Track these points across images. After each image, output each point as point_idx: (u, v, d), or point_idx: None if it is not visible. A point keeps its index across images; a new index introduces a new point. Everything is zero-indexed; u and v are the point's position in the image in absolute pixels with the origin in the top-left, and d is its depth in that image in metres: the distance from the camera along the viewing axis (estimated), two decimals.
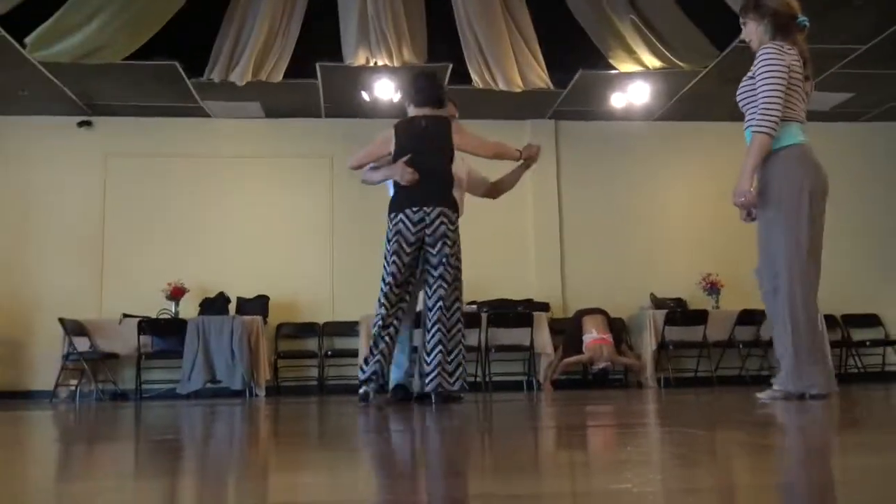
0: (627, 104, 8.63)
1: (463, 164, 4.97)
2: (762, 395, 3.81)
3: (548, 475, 1.61)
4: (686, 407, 4.19)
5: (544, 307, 8.62)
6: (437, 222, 4.48)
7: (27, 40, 6.93)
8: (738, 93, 3.88)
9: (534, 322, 8.05)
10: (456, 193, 4.71)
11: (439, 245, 4.46)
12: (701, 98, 8.47)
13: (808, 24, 3.83)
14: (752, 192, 3.73)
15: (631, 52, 7.69)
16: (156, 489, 1.53)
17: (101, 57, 7.16)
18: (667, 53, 7.59)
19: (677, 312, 8.33)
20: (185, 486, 1.59)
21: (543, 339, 8.10)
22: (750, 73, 3.81)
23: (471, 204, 8.97)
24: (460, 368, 4.45)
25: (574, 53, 7.92)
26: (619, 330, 8.35)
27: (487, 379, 8.10)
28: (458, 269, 4.56)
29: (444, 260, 4.48)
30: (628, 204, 9.33)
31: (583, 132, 9.44)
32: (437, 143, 4.58)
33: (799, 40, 3.80)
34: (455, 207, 4.61)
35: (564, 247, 9.19)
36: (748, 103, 3.79)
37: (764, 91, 3.65)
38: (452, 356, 4.44)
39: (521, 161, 4.98)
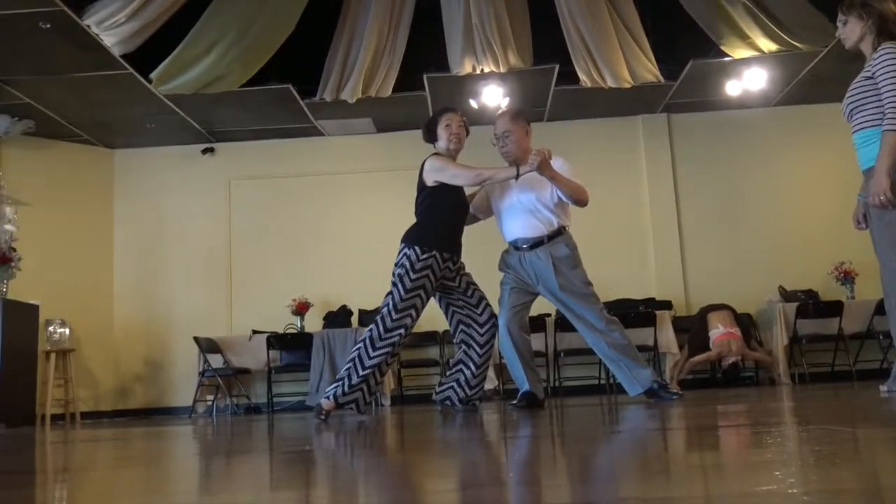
0: (743, 91, 8.34)
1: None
2: (885, 388, 3.63)
3: (682, 478, 1.57)
4: (824, 403, 4.00)
5: (667, 305, 8.42)
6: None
7: (152, 76, 7.33)
8: (850, 93, 3.75)
9: (657, 321, 7.86)
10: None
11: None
12: (822, 80, 8.08)
13: None
14: (890, 192, 3.58)
15: (744, 38, 7.43)
16: (293, 500, 1.57)
17: (219, 86, 7.49)
18: (783, 35, 7.29)
19: (809, 304, 7.96)
20: (320, 497, 1.63)
21: (668, 338, 7.90)
22: (866, 73, 3.66)
23: (588, 203, 8.89)
24: (339, 383, 4.58)
25: (683, 44, 7.72)
26: (746, 325, 8.05)
27: (611, 381, 7.97)
28: (387, 298, 4.57)
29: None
30: (749, 194, 9.00)
31: (697, 124, 9.19)
32: (419, 179, 4.68)
33: None
34: (406, 242, 4.57)
35: (684, 243, 8.95)
36: (865, 103, 3.65)
37: (891, 90, 3.51)
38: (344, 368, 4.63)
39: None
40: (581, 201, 4.64)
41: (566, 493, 1.47)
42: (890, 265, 3.62)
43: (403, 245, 4.57)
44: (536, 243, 4.66)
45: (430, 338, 8.63)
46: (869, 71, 3.64)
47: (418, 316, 4.58)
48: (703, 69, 8.00)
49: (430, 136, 4.74)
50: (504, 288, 4.80)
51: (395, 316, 4.49)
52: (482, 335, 4.69)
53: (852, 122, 3.77)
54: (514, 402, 4.78)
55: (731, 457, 1.93)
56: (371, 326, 4.53)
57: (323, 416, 4.48)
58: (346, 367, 4.52)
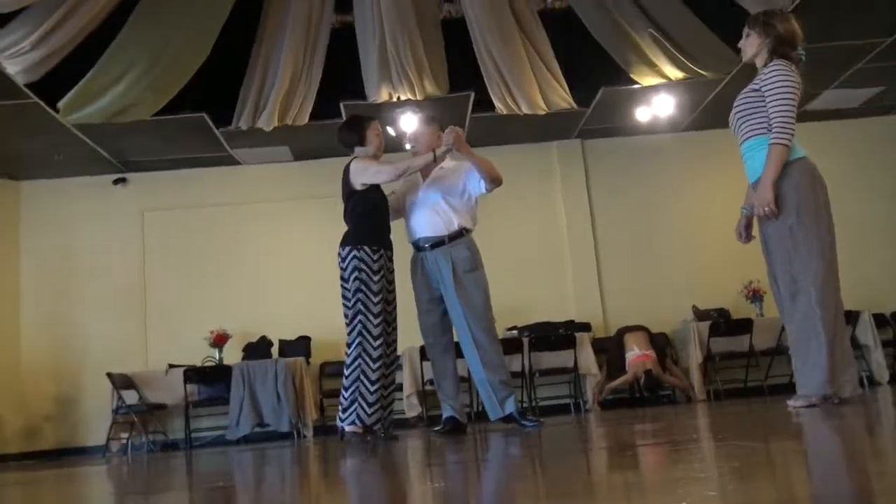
0: (653, 117, 8.59)
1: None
2: (794, 403, 3.75)
3: (603, 498, 1.59)
4: (738, 419, 4.12)
5: (586, 327, 8.56)
6: (338, 261, 4.62)
7: (59, 105, 7.11)
8: (737, 104, 3.97)
9: (577, 343, 7.98)
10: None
11: (342, 283, 4.60)
12: (726, 105, 8.34)
13: (804, 57, 3.92)
14: (774, 203, 3.78)
15: (652, 65, 7.67)
16: None
17: (131, 115, 7.31)
18: (688, 63, 7.56)
19: (721, 323, 8.20)
20: None
21: (588, 359, 8.02)
22: (754, 86, 3.88)
23: (505, 229, 9.02)
24: (355, 406, 4.46)
25: (595, 71, 7.92)
26: (662, 345, 8.24)
27: (534, 404, 8.04)
28: (352, 305, 4.53)
29: (342, 298, 4.60)
30: (663, 217, 9.25)
31: (610, 149, 9.41)
32: (342, 188, 4.72)
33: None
34: (344, 242, 4.60)
35: (601, 265, 9.13)
36: (751, 114, 3.87)
37: (780, 104, 3.75)
38: (347, 394, 4.49)
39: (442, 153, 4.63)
40: (495, 178, 4.71)
41: None
42: (813, 266, 3.69)
43: (350, 248, 4.54)
44: (437, 243, 4.71)
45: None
46: (757, 84, 3.86)
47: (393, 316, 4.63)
48: (614, 96, 8.22)
49: (357, 139, 4.74)
50: (418, 311, 4.84)
51: (375, 322, 4.46)
52: (389, 355, 4.62)
53: (739, 132, 3.97)
54: (438, 428, 4.77)
55: (650, 474, 1.97)
56: (357, 341, 4.44)
57: (355, 438, 4.36)
58: (353, 387, 4.41)
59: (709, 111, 8.69)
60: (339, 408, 4.51)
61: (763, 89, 3.83)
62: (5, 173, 8.80)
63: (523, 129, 8.66)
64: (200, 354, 8.27)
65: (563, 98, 7.97)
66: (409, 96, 7.57)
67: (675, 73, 7.75)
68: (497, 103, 7.85)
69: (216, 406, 7.93)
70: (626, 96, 8.27)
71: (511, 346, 7.93)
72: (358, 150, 4.75)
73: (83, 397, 8.54)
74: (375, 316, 4.47)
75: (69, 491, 3.30)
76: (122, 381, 7.82)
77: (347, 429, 4.40)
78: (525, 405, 7.99)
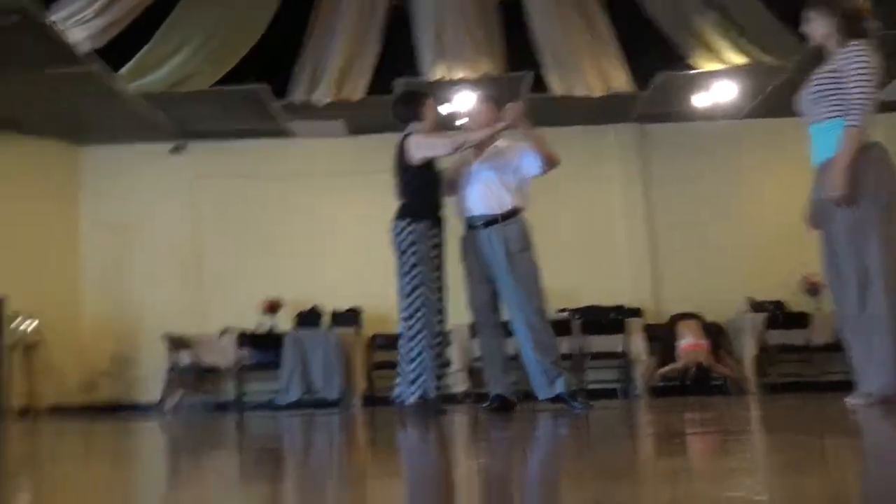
0: (713, 104, 8.42)
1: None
2: (853, 401, 3.63)
3: (649, 483, 1.58)
4: (791, 413, 4.05)
5: (637, 313, 8.47)
6: (391, 235, 4.62)
7: (122, 72, 7.23)
8: (811, 84, 3.79)
9: (627, 328, 7.91)
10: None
11: (398, 257, 4.58)
12: (789, 92, 8.16)
13: (876, 28, 3.75)
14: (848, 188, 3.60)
15: (713, 51, 7.51)
16: (259, 496, 1.56)
17: (190, 84, 7.41)
18: (750, 49, 7.38)
19: (778, 315, 8.05)
20: (287, 493, 1.62)
21: (638, 345, 7.95)
22: (831, 66, 3.71)
23: (559, 211, 8.95)
24: (422, 380, 4.42)
25: (655, 55, 7.78)
26: (716, 335, 8.11)
27: (583, 387, 8.00)
28: (410, 279, 4.50)
29: (397, 272, 4.58)
30: (721, 205, 9.08)
31: (669, 134, 9.26)
32: (395, 161, 4.70)
33: None
34: (400, 216, 4.58)
35: (656, 251, 9.02)
36: (827, 95, 3.70)
37: (859, 87, 3.59)
38: (413, 366, 4.46)
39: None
40: (551, 160, 4.66)
41: (540, 496, 1.48)
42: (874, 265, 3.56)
43: (407, 222, 4.53)
44: (490, 221, 4.67)
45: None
46: (834, 64, 3.69)
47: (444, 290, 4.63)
48: (673, 80, 8.06)
49: (413, 113, 4.71)
50: (469, 289, 4.79)
51: (435, 296, 4.49)
52: (438, 323, 4.62)
53: (813, 113, 3.79)
54: (486, 405, 4.78)
55: (698, 462, 1.95)
56: (419, 314, 4.44)
57: (419, 410, 4.35)
58: (419, 359, 4.41)
59: (771, 99, 8.47)
60: (399, 380, 4.52)
61: (841, 70, 3.66)
62: (68, 138, 9.02)
63: (580, 111, 8.56)
64: (253, 320, 8.41)
65: (621, 81, 7.85)
66: (465, 75, 7.53)
67: (735, 59, 7.57)
68: (554, 84, 7.76)
69: (267, 371, 8.07)
70: (686, 81, 8.11)
71: (561, 328, 7.88)
72: (413, 125, 4.72)
73: (140, 356, 8.77)
74: (434, 290, 4.50)
75: (125, 443, 3.39)
76: (177, 343, 8.02)
77: (412, 401, 4.40)
78: (574, 388, 7.96)
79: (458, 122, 4.93)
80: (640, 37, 7.57)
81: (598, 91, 7.80)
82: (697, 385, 7.86)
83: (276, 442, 3.20)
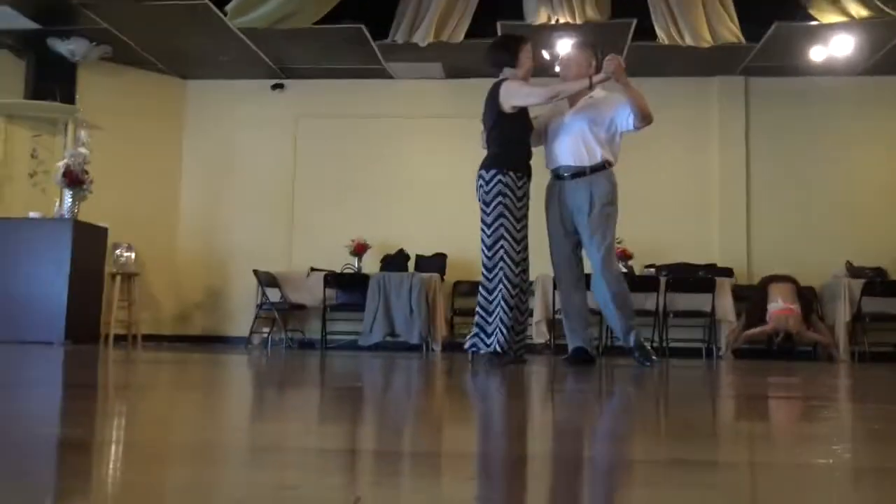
0: (828, 58, 8.01)
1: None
2: None
3: (725, 445, 1.55)
4: (882, 382, 3.92)
5: (728, 273, 8.26)
6: (477, 184, 4.55)
7: (227, 8, 7.35)
8: None
9: (716, 287, 7.74)
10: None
11: (482, 207, 4.52)
12: None
13: None
14: None
15: (834, 1, 7.11)
16: (339, 433, 1.61)
17: (292, 22, 7.48)
18: (876, 1, 6.96)
19: (876, 282, 7.73)
20: (366, 432, 1.66)
21: (726, 305, 7.77)
22: None
23: (654, 163, 8.76)
24: (497, 332, 4.40)
25: (768, 4, 7.44)
26: (808, 300, 7.85)
27: (665, 344, 7.91)
28: (493, 230, 4.44)
29: (481, 223, 4.52)
30: (824, 165, 8.70)
31: (776, 88, 8.88)
32: (487, 108, 4.61)
33: None
34: (490, 165, 4.50)
35: (752, 210, 8.74)
36: None
37: None
38: (491, 318, 4.44)
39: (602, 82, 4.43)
40: (647, 116, 4.50)
41: (612, 450, 1.47)
42: None
43: (495, 172, 4.45)
44: (578, 173, 4.60)
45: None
46: None
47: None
48: (787, 32, 7.70)
49: (509, 59, 4.61)
50: (551, 241, 4.75)
51: (518, 248, 4.45)
52: (525, 281, 4.59)
53: None
54: (565, 357, 4.78)
55: (780, 427, 1.91)
56: (500, 265, 4.41)
57: (494, 360, 4.33)
58: (496, 312, 4.40)
59: (893, 55, 8.02)
60: (477, 330, 4.49)
61: None
62: (174, 71, 9.26)
63: (684, 61, 8.28)
64: (341, 261, 8.56)
65: (731, 31, 7.53)
66: (569, 19, 7.36)
67: (859, 11, 7.16)
68: (660, 32, 7.51)
69: (352, 311, 8.23)
70: (802, 33, 7.73)
71: (647, 284, 7.79)
72: (507, 71, 4.61)
73: (230, 290, 9.06)
74: (518, 242, 4.45)
75: (214, 375, 3.53)
76: (266, 279, 8.24)
77: (485, 351, 4.40)
78: (654, 345, 7.88)
79: (556, 69, 4.79)
80: None
81: (706, 41, 7.52)
82: (784, 350, 7.67)
83: (357, 381, 3.27)
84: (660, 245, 8.44)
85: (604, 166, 4.60)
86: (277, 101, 9.39)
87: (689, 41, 7.51)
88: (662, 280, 7.80)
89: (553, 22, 7.40)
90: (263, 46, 8.37)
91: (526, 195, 4.52)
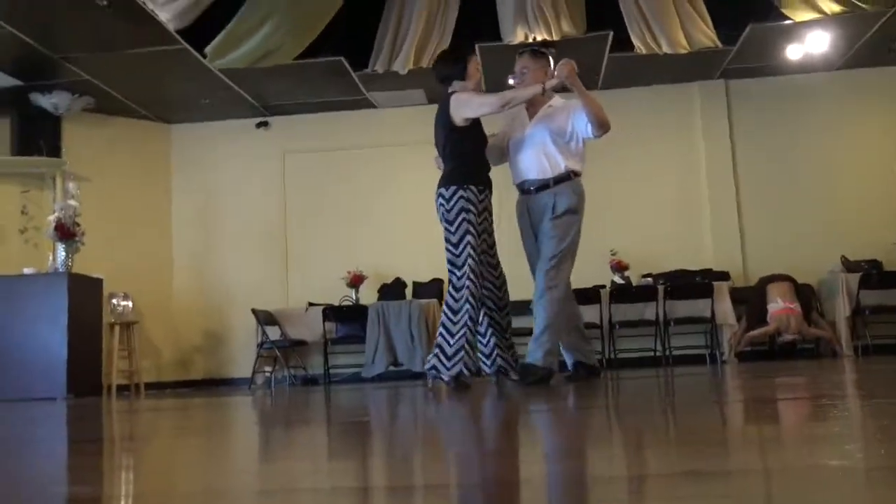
0: (805, 55, 8.09)
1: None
2: None
3: (737, 452, 1.55)
4: (888, 376, 3.91)
5: (724, 276, 8.28)
6: (437, 203, 4.44)
7: (206, 51, 7.39)
8: None
9: (714, 292, 7.75)
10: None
11: (446, 226, 4.39)
12: (888, 41, 7.80)
13: None
14: None
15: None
16: (349, 469, 1.60)
17: (272, 60, 7.53)
18: None
19: (873, 275, 7.75)
20: (376, 466, 1.65)
21: (725, 309, 7.78)
22: None
23: (641, 173, 8.79)
24: (461, 354, 4.21)
25: (742, 6, 7.51)
26: (807, 297, 7.87)
27: (667, 353, 7.90)
28: (461, 250, 4.30)
29: (445, 243, 4.39)
30: (811, 161, 8.75)
31: (756, 89, 8.95)
32: (438, 124, 4.53)
33: None
34: (448, 182, 4.37)
35: (742, 211, 8.77)
36: None
37: None
38: (453, 340, 4.23)
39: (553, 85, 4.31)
40: (602, 123, 4.34)
41: (623, 464, 1.47)
42: None
43: (455, 188, 4.32)
44: (542, 186, 4.49)
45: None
46: None
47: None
48: (762, 33, 7.78)
49: (458, 72, 4.49)
50: (528, 259, 4.65)
51: (480, 263, 4.31)
52: (501, 298, 4.53)
53: None
54: (567, 374, 4.72)
55: (789, 430, 1.90)
56: (466, 285, 4.24)
57: (459, 384, 4.18)
58: (461, 333, 4.21)
59: (868, 47, 8.09)
60: (437, 351, 4.27)
61: None
62: (158, 117, 9.29)
63: (663, 69, 8.36)
64: (338, 294, 8.56)
65: (707, 35, 7.60)
66: (545, 36, 7.42)
67: (831, 7, 7.23)
68: (637, 42, 7.58)
69: (353, 344, 8.22)
70: (777, 33, 7.81)
71: (646, 294, 7.82)
72: (456, 84, 4.49)
73: (230, 332, 9.03)
74: (480, 255, 4.32)
75: (218, 418, 3.51)
76: (265, 318, 8.22)
77: (448, 376, 4.20)
78: (657, 354, 7.87)
79: (508, 80, 4.71)
80: None
81: (682, 48, 7.58)
82: (787, 349, 7.67)
83: (363, 414, 3.26)
84: (655, 254, 8.46)
85: (569, 176, 4.48)
86: (263, 138, 9.42)
87: (666, 49, 7.58)
88: (661, 289, 7.82)
89: (531, 40, 7.46)
90: (245, 86, 8.41)
91: (487, 209, 4.39)
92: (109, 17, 6.70)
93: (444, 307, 4.37)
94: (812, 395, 2.80)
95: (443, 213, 4.38)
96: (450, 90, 4.50)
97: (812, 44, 7.89)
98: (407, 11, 7.38)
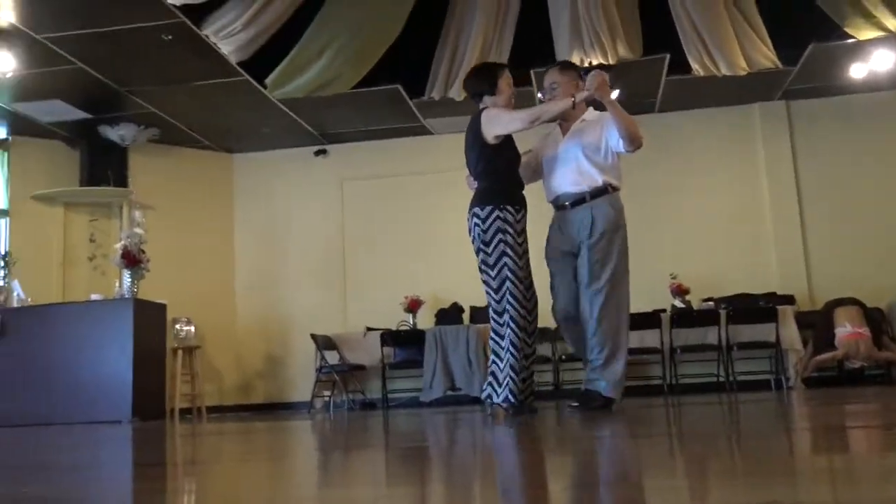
0: (869, 73, 7.92)
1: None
2: None
3: (806, 483, 1.50)
4: None
5: (789, 300, 8.09)
6: (471, 224, 4.31)
7: (266, 81, 7.56)
8: None
9: (779, 316, 7.57)
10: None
11: (477, 248, 4.27)
12: None
13: None
14: None
15: (870, 17, 7.04)
16: (408, 496, 1.59)
17: (331, 89, 7.66)
18: None
19: None
20: (435, 493, 1.64)
21: (791, 334, 7.59)
22: None
23: (701, 195, 8.68)
24: (507, 380, 4.10)
25: (803, 26, 7.39)
26: (877, 321, 7.62)
27: (731, 378, 7.72)
28: (497, 272, 4.18)
29: (481, 265, 4.26)
30: (878, 181, 8.53)
31: (819, 109, 8.78)
32: (470, 141, 4.40)
33: None
34: (483, 201, 4.23)
35: (807, 234, 8.58)
36: None
37: None
38: (502, 364, 4.14)
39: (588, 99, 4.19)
40: (634, 138, 4.17)
41: (686, 494, 1.43)
42: None
43: (492, 208, 4.18)
44: (578, 201, 4.29)
45: (542, 334, 8.56)
46: None
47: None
48: (824, 52, 7.64)
49: (490, 87, 4.37)
50: (553, 279, 4.42)
51: (522, 287, 4.14)
52: (531, 322, 4.31)
53: None
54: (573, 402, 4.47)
55: (860, 460, 1.84)
56: (508, 309, 4.13)
57: (511, 412, 4.09)
58: (507, 359, 4.10)
59: None
60: (490, 379, 4.21)
61: None
62: (220, 146, 9.51)
63: (722, 91, 8.26)
64: (395, 318, 8.59)
65: (766, 56, 7.49)
66: (601, 60, 7.40)
67: None
68: (694, 65, 7.51)
69: (411, 368, 8.23)
70: (840, 52, 7.66)
71: (707, 318, 7.69)
72: (486, 100, 4.36)
73: (290, 356, 9.14)
74: (522, 281, 4.15)
75: (279, 442, 3.54)
76: (324, 343, 8.30)
77: (499, 401, 4.12)
78: (720, 379, 7.70)
79: (537, 96, 4.60)
80: (787, 6, 7.17)
81: (742, 69, 7.48)
82: (856, 375, 7.44)
83: (421, 440, 3.25)
84: (716, 277, 8.31)
85: (606, 190, 4.31)
86: (321, 166, 9.57)
87: (724, 70, 7.49)
88: (723, 313, 7.67)
89: (587, 64, 7.45)
90: (304, 114, 8.57)
91: (524, 230, 4.24)
92: (173, 51, 6.92)
93: (491, 332, 4.28)
94: (885, 424, 2.70)
95: (478, 234, 4.25)
96: (481, 106, 4.41)
97: (877, 62, 7.72)
98: (463, 38, 7.44)
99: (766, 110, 8.83)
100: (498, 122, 4.23)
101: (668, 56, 7.56)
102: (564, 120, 4.42)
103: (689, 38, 7.30)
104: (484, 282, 4.30)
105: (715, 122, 8.85)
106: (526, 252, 4.22)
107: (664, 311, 7.84)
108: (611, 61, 7.39)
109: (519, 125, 4.19)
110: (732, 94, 8.42)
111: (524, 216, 4.24)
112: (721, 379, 7.73)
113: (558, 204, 4.41)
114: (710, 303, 8.00)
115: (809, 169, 8.70)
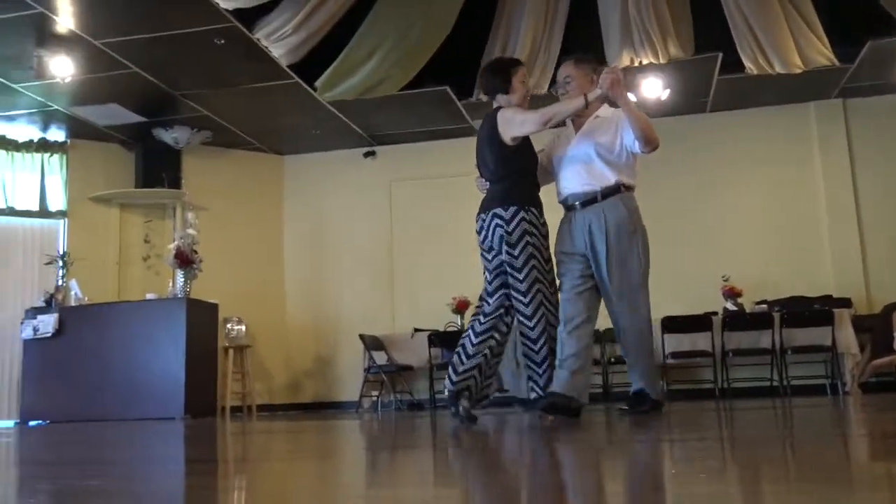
0: None
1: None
2: None
3: (863, 490, 1.46)
4: None
5: (846, 303, 7.90)
6: (490, 224, 4.12)
7: (317, 84, 7.64)
8: None
9: (835, 320, 7.40)
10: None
11: (498, 250, 4.10)
12: None
13: None
14: None
15: None
16: (454, 497, 1.59)
17: (380, 91, 7.71)
18: None
19: None
20: (480, 494, 1.64)
21: (847, 337, 7.41)
22: None
23: (755, 197, 8.52)
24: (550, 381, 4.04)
25: (860, 23, 7.21)
26: None
27: (785, 383, 7.57)
28: (526, 274, 4.02)
29: (504, 267, 4.10)
30: None
31: (877, 108, 8.56)
32: (485, 141, 4.21)
33: None
34: (505, 201, 4.06)
35: (865, 235, 8.37)
36: None
37: None
38: (541, 369, 4.11)
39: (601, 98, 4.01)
40: (649, 139, 3.95)
41: (739, 500, 1.41)
42: None
43: (517, 209, 4.02)
44: (589, 201, 4.09)
45: None
46: None
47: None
48: (883, 49, 7.44)
49: (500, 84, 4.19)
50: (561, 279, 4.21)
51: (552, 290, 4.05)
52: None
53: None
54: (643, 408, 4.25)
55: None
56: (541, 312, 4.02)
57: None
58: (547, 362, 4.08)
59: None
60: (531, 384, 4.18)
61: None
62: (270, 148, 9.63)
63: (776, 90, 8.10)
64: (443, 319, 8.60)
65: (822, 54, 7.33)
66: (652, 60, 7.32)
67: None
68: (747, 63, 7.38)
69: None
70: None
71: (760, 321, 7.55)
72: (500, 98, 4.18)
73: (338, 356, 9.21)
74: (551, 284, 4.02)
75: (327, 442, 3.57)
76: (372, 343, 8.34)
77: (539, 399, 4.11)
78: (773, 384, 7.56)
79: (557, 91, 4.39)
80: (843, 3, 7.01)
81: (797, 67, 7.33)
82: None
83: (467, 441, 3.25)
84: (770, 279, 8.16)
85: (618, 189, 4.08)
86: (370, 167, 9.62)
87: (779, 69, 7.34)
88: (776, 316, 7.52)
89: (637, 63, 7.37)
90: (353, 116, 8.63)
91: (548, 234, 4.10)
92: (226, 54, 7.02)
93: (522, 337, 4.15)
94: None
95: (501, 235, 4.05)
96: (495, 104, 4.26)
97: None
98: (512, 38, 7.42)
99: (821, 109, 8.64)
100: (512, 124, 4.08)
101: (720, 55, 7.44)
102: (577, 116, 4.22)
103: (742, 37, 7.18)
104: (510, 285, 4.13)
105: (769, 121, 8.69)
106: (551, 258, 4.13)
107: (715, 313, 7.72)
108: (662, 61, 7.30)
109: (531, 127, 4.04)
110: (787, 92, 8.26)
111: (545, 221, 4.12)
112: (774, 383, 7.58)
113: (568, 204, 4.22)
114: (764, 305, 7.85)
115: (867, 168, 8.49)
